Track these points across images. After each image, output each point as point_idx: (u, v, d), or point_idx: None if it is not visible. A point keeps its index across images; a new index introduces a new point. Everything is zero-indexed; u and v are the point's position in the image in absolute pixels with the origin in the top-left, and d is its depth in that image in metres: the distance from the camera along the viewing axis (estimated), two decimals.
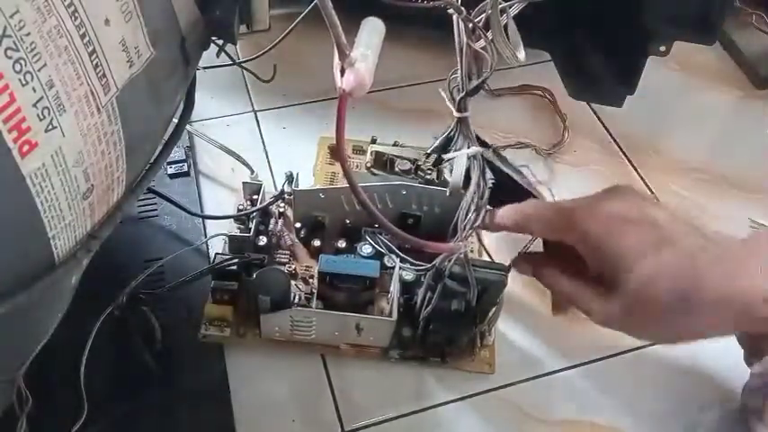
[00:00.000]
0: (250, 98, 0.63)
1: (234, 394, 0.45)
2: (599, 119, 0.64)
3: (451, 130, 0.44)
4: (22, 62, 0.24)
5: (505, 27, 0.39)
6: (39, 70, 0.25)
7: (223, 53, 0.41)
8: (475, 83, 0.42)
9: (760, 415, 0.41)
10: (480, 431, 0.45)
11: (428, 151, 0.47)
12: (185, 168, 0.56)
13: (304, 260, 0.49)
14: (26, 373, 0.33)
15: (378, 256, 0.46)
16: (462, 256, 0.41)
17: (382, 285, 0.45)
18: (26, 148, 0.25)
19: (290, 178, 0.50)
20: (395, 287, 0.43)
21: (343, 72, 0.32)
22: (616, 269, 0.38)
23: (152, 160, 0.37)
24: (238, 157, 0.55)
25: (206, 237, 0.53)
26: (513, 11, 0.39)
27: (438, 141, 0.45)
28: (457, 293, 0.42)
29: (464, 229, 0.41)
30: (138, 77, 0.31)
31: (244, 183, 0.50)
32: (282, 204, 0.50)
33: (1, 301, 0.26)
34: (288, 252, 0.49)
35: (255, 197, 0.49)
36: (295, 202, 0.49)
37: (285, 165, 0.52)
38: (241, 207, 0.49)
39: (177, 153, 0.56)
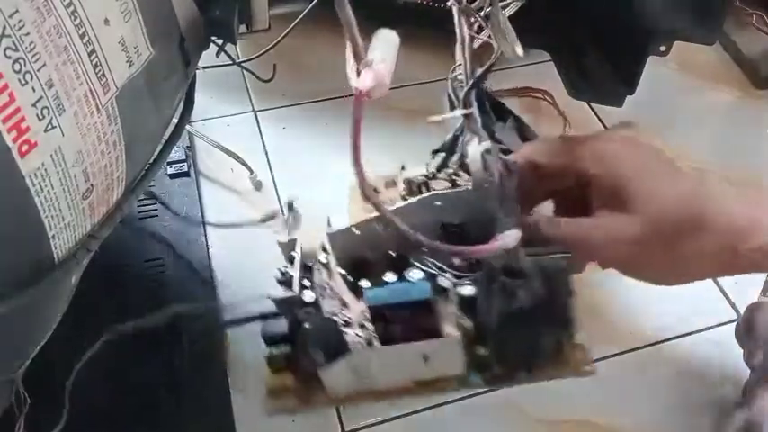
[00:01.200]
0: (250, 98, 0.63)
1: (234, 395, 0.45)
2: (599, 119, 0.64)
3: (457, 129, 0.43)
4: (22, 62, 0.24)
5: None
6: (38, 70, 0.25)
7: (223, 53, 0.41)
8: (479, 71, 0.40)
9: (759, 414, 0.41)
10: (480, 431, 0.45)
11: (434, 149, 0.45)
12: (185, 168, 0.56)
13: (356, 305, 0.43)
14: (26, 374, 0.33)
15: (430, 278, 0.41)
16: (514, 248, 0.37)
17: (444, 309, 0.41)
18: (25, 147, 0.25)
19: (290, 206, 0.48)
20: (455, 306, 0.39)
21: (359, 73, 0.32)
22: (631, 189, 0.37)
23: (152, 160, 0.37)
24: (237, 158, 0.55)
25: (206, 237, 0.53)
26: (510, 10, 0.39)
27: (446, 140, 0.43)
28: (520, 290, 0.38)
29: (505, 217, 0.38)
30: (138, 77, 0.31)
31: (279, 243, 0.44)
32: (323, 255, 0.45)
33: (1, 300, 0.26)
34: (338, 301, 0.44)
35: (293, 253, 0.44)
36: (332, 246, 0.44)
37: (285, 165, 0.52)
38: (283, 269, 0.43)
39: (177, 153, 0.56)
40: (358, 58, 0.31)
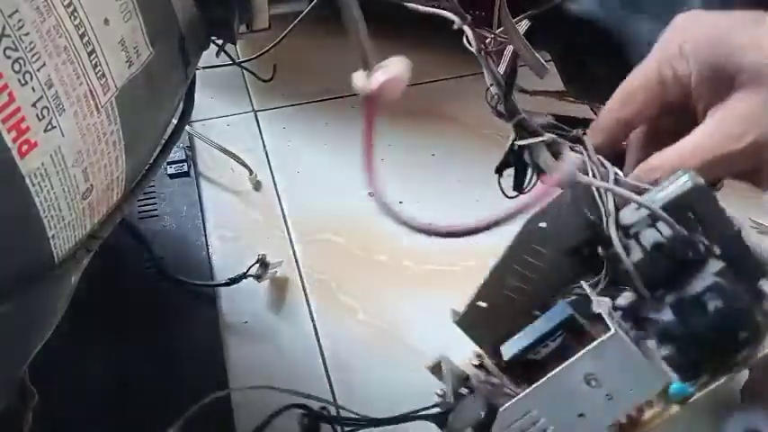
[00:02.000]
0: (250, 98, 0.63)
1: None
2: None
3: (512, 140, 0.38)
4: (21, 62, 0.24)
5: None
6: (38, 70, 0.25)
7: (223, 53, 0.41)
8: (506, 68, 0.38)
9: (759, 414, 0.41)
10: None
11: (497, 167, 0.40)
12: (185, 168, 0.56)
13: (523, 388, 0.35)
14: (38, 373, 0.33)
15: (582, 307, 0.33)
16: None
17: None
18: (25, 147, 0.25)
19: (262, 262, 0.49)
20: (612, 322, 0.30)
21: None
22: (739, 60, 0.32)
23: (152, 160, 0.37)
24: (237, 158, 0.55)
25: (206, 237, 0.53)
26: (521, 29, 0.38)
27: (505, 157, 0.39)
28: (651, 234, 0.29)
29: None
30: (138, 77, 0.31)
31: (426, 367, 0.40)
32: (475, 358, 0.41)
33: (1, 300, 0.26)
34: (503, 392, 0.38)
35: (443, 371, 0.40)
36: (467, 333, 0.39)
37: (285, 165, 0.52)
38: (440, 392, 0.39)
39: (177, 153, 0.56)
40: (367, 64, 0.28)
